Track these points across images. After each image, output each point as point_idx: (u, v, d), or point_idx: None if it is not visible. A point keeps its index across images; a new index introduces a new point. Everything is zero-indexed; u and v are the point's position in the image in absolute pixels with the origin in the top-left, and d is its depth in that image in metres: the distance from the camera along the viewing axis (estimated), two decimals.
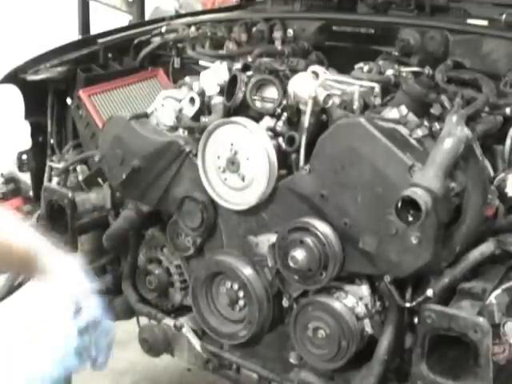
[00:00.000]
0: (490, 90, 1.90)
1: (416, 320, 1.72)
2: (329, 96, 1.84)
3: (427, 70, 2.05)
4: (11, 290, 2.17)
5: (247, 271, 1.98)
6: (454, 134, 1.60)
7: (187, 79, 2.20)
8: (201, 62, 2.32)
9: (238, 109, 1.96)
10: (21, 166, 2.73)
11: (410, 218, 1.52)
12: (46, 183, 2.60)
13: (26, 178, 2.81)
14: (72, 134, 2.68)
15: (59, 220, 2.35)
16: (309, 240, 1.78)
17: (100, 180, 2.44)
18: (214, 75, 2.04)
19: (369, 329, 1.83)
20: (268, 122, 1.92)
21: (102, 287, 2.50)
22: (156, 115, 2.18)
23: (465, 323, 1.57)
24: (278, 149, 1.89)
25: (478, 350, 1.56)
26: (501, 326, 1.60)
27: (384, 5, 2.41)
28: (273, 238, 1.90)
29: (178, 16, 2.99)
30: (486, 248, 1.73)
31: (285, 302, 1.98)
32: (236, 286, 2.02)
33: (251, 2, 3.03)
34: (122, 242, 2.37)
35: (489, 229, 1.78)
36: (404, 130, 1.74)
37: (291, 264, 1.80)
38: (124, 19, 3.42)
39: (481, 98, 1.84)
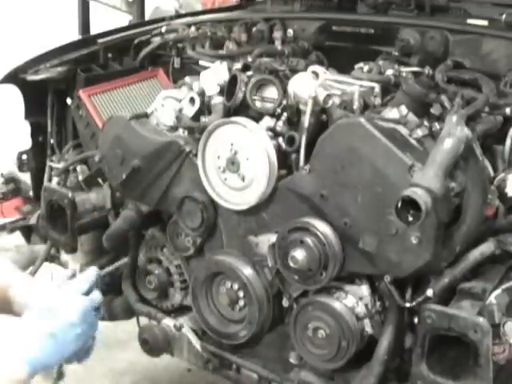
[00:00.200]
0: (490, 90, 1.90)
1: (416, 320, 1.72)
2: (329, 96, 1.84)
3: (427, 70, 2.05)
4: None
5: (247, 271, 1.98)
6: (453, 134, 1.60)
7: (187, 79, 2.20)
8: (201, 62, 2.32)
9: (238, 109, 1.96)
10: (21, 166, 2.73)
11: (410, 218, 1.52)
12: (45, 183, 2.60)
13: (26, 177, 2.81)
14: (72, 134, 2.68)
15: (59, 220, 2.35)
16: (309, 240, 1.78)
17: (100, 180, 2.44)
18: (214, 75, 2.04)
19: (369, 329, 1.83)
20: (268, 121, 1.92)
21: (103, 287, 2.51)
22: (156, 115, 2.18)
23: (465, 323, 1.57)
24: (278, 149, 1.89)
25: (478, 350, 1.56)
26: (501, 326, 1.60)
27: (384, 5, 2.42)
28: (273, 238, 1.90)
29: (178, 16, 2.99)
30: (486, 248, 1.73)
31: (285, 302, 1.98)
32: (236, 286, 2.02)
33: (251, 2, 3.03)
34: (122, 242, 2.37)
35: (489, 229, 1.78)
36: (404, 130, 1.74)
37: (291, 264, 1.80)
38: (124, 19, 3.42)
39: (481, 98, 1.84)
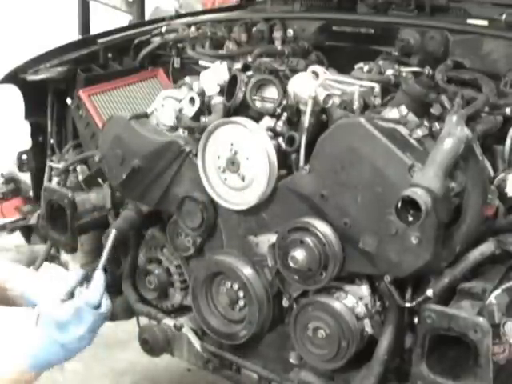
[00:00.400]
0: (490, 90, 1.90)
1: (416, 320, 1.72)
2: (329, 96, 1.84)
3: (427, 70, 2.05)
4: None
5: (247, 271, 1.98)
6: (453, 134, 1.60)
7: (187, 79, 2.20)
8: (201, 62, 2.32)
9: (238, 109, 1.96)
10: (21, 166, 2.73)
11: (410, 218, 1.52)
12: (45, 183, 2.60)
13: (26, 177, 2.81)
14: (72, 134, 2.68)
15: (59, 220, 2.35)
16: (309, 240, 1.78)
17: (100, 180, 2.44)
18: (214, 75, 2.04)
19: (369, 329, 1.83)
20: (268, 122, 1.92)
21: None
22: (156, 115, 2.18)
23: (465, 323, 1.57)
24: (278, 149, 1.89)
25: (478, 350, 1.56)
26: (501, 326, 1.60)
27: (384, 5, 2.42)
28: (273, 238, 1.90)
29: (178, 16, 2.99)
30: (486, 248, 1.73)
31: (285, 302, 1.98)
32: (236, 286, 2.02)
33: (251, 2, 3.03)
34: (122, 241, 2.37)
35: (489, 229, 1.78)
36: (404, 130, 1.74)
37: (291, 264, 1.80)
38: (124, 19, 3.42)
39: (481, 98, 1.84)
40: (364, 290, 1.83)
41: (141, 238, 2.37)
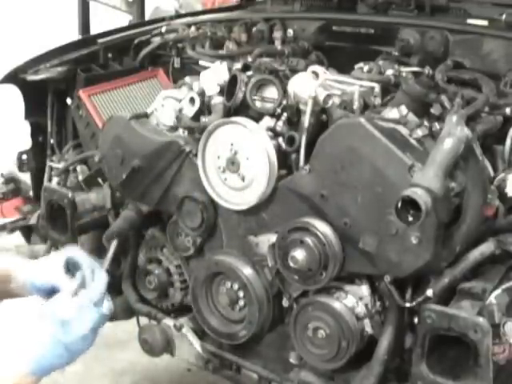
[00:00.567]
0: (490, 90, 1.90)
1: (416, 320, 1.72)
2: (329, 96, 1.84)
3: (427, 70, 2.05)
4: None
5: (247, 271, 1.98)
6: (453, 134, 1.60)
7: (187, 79, 2.20)
8: (201, 62, 2.32)
9: (238, 109, 1.96)
10: (21, 166, 2.73)
11: (410, 218, 1.52)
12: (46, 183, 2.60)
13: (26, 178, 2.82)
14: (72, 134, 2.68)
15: (59, 220, 2.35)
16: (309, 240, 1.78)
17: (100, 180, 2.44)
18: (214, 75, 2.04)
19: (369, 329, 1.83)
20: (268, 122, 1.92)
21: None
22: (156, 115, 2.18)
23: (465, 323, 1.57)
24: (278, 149, 1.89)
25: (478, 350, 1.56)
26: (501, 326, 1.60)
27: (384, 5, 2.42)
28: (273, 238, 1.90)
29: (178, 16, 2.99)
30: (486, 248, 1.73)
31: (285, 302, 1.98)
32: (236, 286, 2.02)
33: (251, 2, 3.03)
34: (122, 242, 2.37)
35: (489, 229, 1.78)
36: (404, 130, 1.74)
37: (291, 264, 1.80)
38: (124, 19, 3.42)
39: (481, 98, 1.84)
40: (364, 289, 1.83)
41: (141, 238, 2.37)
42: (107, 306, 1.48)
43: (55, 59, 2.63)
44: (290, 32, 2.43)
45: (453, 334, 1.59)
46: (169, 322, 2.25)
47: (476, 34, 2.07)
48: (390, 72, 2.01)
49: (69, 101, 2.62)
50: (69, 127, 2.69)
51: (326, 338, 1.83)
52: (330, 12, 2.57)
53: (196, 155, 1.99)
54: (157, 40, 2.62)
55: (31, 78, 2.56)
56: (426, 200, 1.49)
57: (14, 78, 2.57)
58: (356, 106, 1.86)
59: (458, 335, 1.59)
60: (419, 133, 1.73)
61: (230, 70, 2.03)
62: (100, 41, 2.72)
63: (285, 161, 1.90)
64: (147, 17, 3.57)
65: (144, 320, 2.42)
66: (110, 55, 2.73)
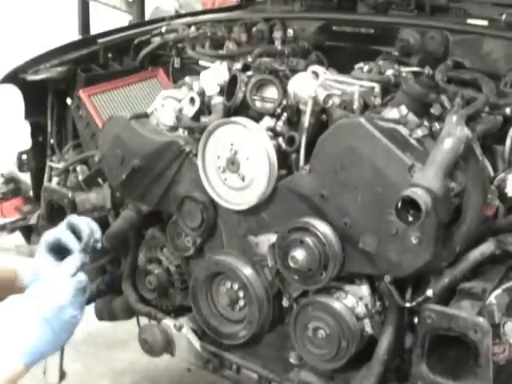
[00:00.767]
0: (490, 90, 1.90)
1: (416, 320, 1.72)
2: (329, 96, 1.84)
3: (427, 70, 2.05)
4: None
5: (247, 271, 1.98)
6: (453, 134, 1.60)
7: (187, 79, 2.20)
8: (201, 62, 2.32)
9: (238, 109, 1.96)
10: (21, 166, 2.73)
11: (410, 218, 1.52)
12: (46, 183, 2.60)
13: (26, 178, 2.82)
14: (72, 134, 2.68)
15: (59, 220, 2.34)
16: (309, 240, 1.78)
17: (100, 180, 2.44)
18: (214, 75, 2.04)
19: (369, 329, 1.83)
20: (268, 121, 1.92)
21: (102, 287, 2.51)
22: (156, 115, 2.18)
23: (465, 323, 1.57)
24: (278, 149, 1.89)
25: (478, 350, 1.56)
26: (501, 326, 1.60)
27: (384, 5, 2.42)
28: (273, 238, 1.90)
29: (178, 16, 2.99)
30: (486, 248, 1.73)
31: (285, 302, 1.98)
32: (236, 286, 2.03)
33: (251, 2, 3.03)
34: (122, 241, 2.37)
35: (489, 229, 1.78)
36: (404, 130, 1.74)
37: (291, 264, 1.80)
38: (124, 19, 3.42)
39: (481, 98, 1.84)
40: (364, 289, 1.83)
41: (141, 238, 2.37)
42: (81, 277, 1.45)
43: (55, 59, 2.63)
44: (290, 32, 2.43)
45: (453, 333, 1.59)
46: (169, 322, 2.24)
47: (476, 34, 2.07)
48: (390, 72, 2.01)
49: (69, 101, 2.62)
50: (69, 127, 2.69)
51: (325, 337, 1.83)
52: (330, 12, 2.57)
53: (196, 155, 1.99)
54: (157, 40, 2.62)
55: (31, 77, 2.56)
56: (426, 200, 1.49)
57: (14, 78, 2.57)
58: (356, 106, 1.86)
59: (458, 335, 1.59)
60: (419, 133, 1.73)
61: (230, 69, 2.03)
62: (100, 41, 2.72)
63: (285, 161, 1.90)
64: (147, 17, 3.57)
65: (144, 320, 2.42)
66: (110, 55, 2.73)
